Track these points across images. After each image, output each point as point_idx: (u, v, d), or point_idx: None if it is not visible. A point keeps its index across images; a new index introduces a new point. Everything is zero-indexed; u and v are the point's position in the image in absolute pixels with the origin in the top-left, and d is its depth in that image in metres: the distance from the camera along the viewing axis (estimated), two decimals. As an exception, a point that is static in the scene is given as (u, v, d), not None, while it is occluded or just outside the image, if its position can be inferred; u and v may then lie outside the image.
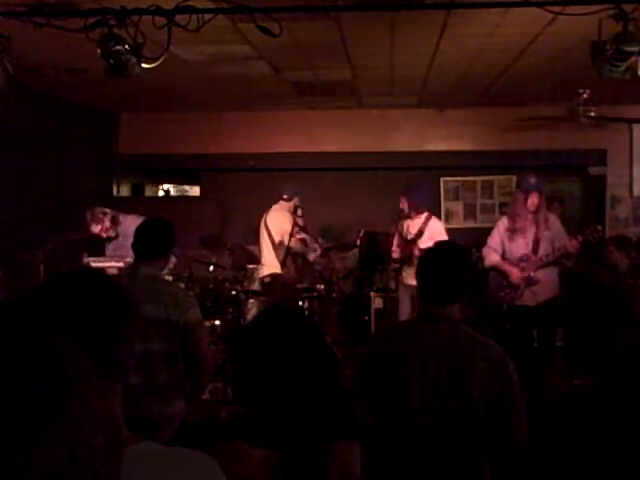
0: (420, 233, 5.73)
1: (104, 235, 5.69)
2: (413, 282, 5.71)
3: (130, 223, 4.95)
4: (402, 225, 5.94)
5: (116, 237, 5.69)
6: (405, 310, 5.85)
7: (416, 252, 5.53)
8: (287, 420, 1.46)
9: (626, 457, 1.48)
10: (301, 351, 1.52)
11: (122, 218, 5.69)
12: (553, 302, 5.33)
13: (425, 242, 5.55)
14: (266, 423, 1.48)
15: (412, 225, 5.82)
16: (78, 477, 0.62)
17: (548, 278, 5.29)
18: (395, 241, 6.03)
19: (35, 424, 0.60)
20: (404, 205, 5.81)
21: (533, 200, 5.29)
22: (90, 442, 0.64)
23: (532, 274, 5.26)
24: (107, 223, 5.64)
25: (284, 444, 1.44)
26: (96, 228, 5.63)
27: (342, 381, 1.63)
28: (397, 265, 6.19)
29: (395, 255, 6.01)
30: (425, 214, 5.81)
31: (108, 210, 5.73)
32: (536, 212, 5.31)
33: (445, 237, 5.50)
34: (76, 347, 0.72)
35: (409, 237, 5.79)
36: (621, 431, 1.50)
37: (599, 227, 5.17)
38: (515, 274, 5.31)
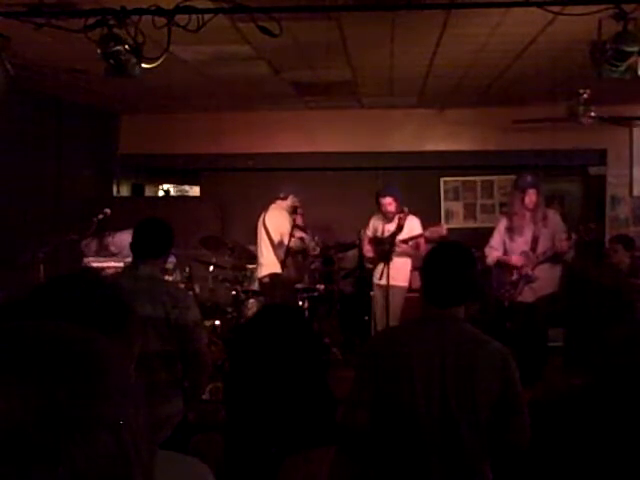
0: (400, 228, 5.68)
1: (102, 257, 5.98)
2: (383, 282, 5.67)
3: (124, 239, 5.19)
4: (378, 226, 5.94)
5: (115, 255, 5.90)
6: (381, 314, 5.79)
7: (398, 243, 5.60)
8: (260, 416, 1.46)
9: (621, 452, 1.48)
10: (289, 352, 1.52)
11: (114, 237, 5.98)
12: (551, 299, 5.33)
13: (403, 236, 5.61)
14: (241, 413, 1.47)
15: (391, 223, 5.80)
16: (123, 460, 0.61)
17: (547, 275, 5.29)
18: (366, 240, 6.03)
19: (81, 410, 0.60)
20: (392, 206, 5.78)
21: (531, 197, 5.29)
22: (132, 424, 0.63)
23: (530, 272, 5.26)
24: (95, 247, 5.95)
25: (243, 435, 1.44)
26: (90, 255, 5.96)
27: (340, 381, 1.63)
28: (371, 266, 6.16)
29: (369, 254, 6.01)
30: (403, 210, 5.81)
31: (90, 240, 6.02)
32: (534, 210, 5.31)
33: (420, 231, 5.60)
34: (96, 331, 0.70)
35: (387, 234, 5.78)
36: (615, 425, 1.50)
37: (592, 225, 5.17)
38: (515, 258, 5.32)
